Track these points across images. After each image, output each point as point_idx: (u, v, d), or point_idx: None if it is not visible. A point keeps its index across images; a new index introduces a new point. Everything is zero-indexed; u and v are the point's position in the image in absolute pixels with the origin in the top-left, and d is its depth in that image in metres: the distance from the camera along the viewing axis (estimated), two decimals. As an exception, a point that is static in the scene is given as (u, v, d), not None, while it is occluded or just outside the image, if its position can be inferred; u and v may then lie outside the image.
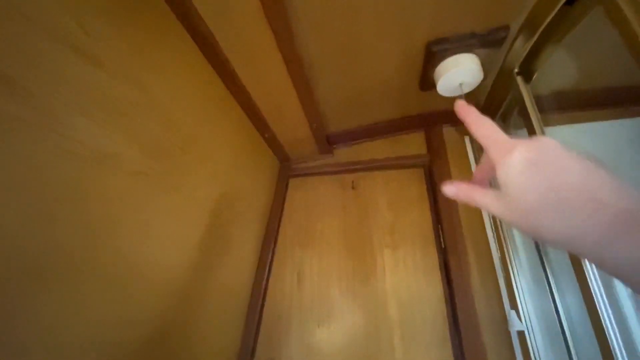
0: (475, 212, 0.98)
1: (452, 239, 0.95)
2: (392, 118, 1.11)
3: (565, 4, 0.59)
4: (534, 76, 0.72)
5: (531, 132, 0.69)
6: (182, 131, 0.67)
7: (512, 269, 0.87)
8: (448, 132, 1.12)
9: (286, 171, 1.20)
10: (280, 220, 1.12)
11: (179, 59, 0.66)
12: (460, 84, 0.82)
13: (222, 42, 0.70)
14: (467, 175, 1.03)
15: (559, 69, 0.72)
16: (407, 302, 0.93)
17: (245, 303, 0.97)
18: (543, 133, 0.67)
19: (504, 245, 0.90)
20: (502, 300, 0.84)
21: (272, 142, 1.08)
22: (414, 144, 1.14)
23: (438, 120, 1.11)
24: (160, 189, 0.62)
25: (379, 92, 0.97)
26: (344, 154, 1.20)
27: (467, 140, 1.09)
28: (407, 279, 0.96)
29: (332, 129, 1.14)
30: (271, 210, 1.13)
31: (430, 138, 1.12)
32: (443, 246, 0.97)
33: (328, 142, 1.18)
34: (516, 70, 0.74)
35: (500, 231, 0.92)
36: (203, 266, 0.75)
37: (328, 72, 0.85)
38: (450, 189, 0.32)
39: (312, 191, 1.16)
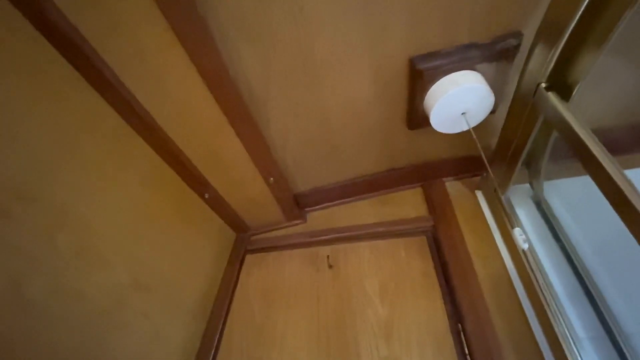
0: (510, 297, 0.65)
1: (482, 347, 0.61)
2: (376, 171, 0.85)
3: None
4: (574, 91, 0.49)
5: (599, 176, 0.42)
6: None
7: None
8: (452, 185, 0.85)
9: (242, 244, 0.90)
10: (226, 317, 0.78)
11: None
12: (464, 114, 0.58)
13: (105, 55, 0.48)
14: (486, 242, 0.73)
15: (615, 77, 0.49)
16: None
17: None
18: (623, 175, 0.39)
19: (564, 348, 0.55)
20: None
21: (219, 205, 0.80)
22: (408, 203, 0.86)
23: (437, 171, 0.85)
24: None
25: (353, 135, 0.73)
26: (317, 219, 0.91)
27: (479, 194, 0.81)
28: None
29: (301, 187, 0.88)
30: (215, 301, 0.79)
31: (430, 195, 0.85)
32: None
33: (298, 204, 0.90)
34: (544, 84, 0.51)
35: (554, 321, 0.58)
36: None
37: (278, 104, 0.62)
38: None
39: (274, 272, 0.83)
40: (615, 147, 0.45)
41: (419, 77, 0.57)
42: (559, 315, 0.59)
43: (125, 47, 0.47)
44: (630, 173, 0.39)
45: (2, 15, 0.40)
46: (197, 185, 0.72)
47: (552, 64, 0.50)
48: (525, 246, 0.40)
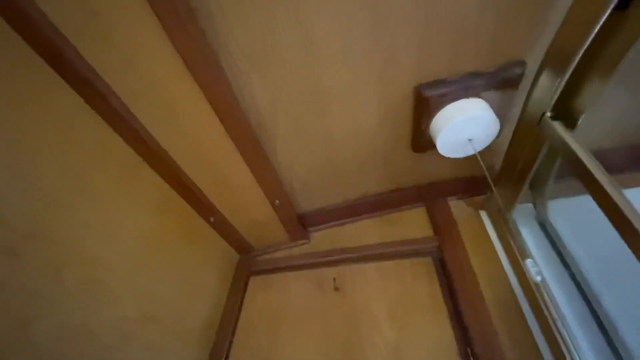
0: (518, 320, 0.65)
1: (493, 372, 0.60)
2: (380, 191, 0.86)
3: (616, 8, 0.40)
4: (580, 120, 0.50)
5: (601, 200, 0.43)
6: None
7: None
8: (456, 205, 0.85)
9: (246, 266, 0.89)
10: (231, 344, 0.76)
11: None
12: (470, 140, 0.59)
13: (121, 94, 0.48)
14: (491, 263, 0.73)
15: (620, 105, 0.50)
16: None
17: None
18: (623, 199, 0.40)
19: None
20: None
21: (223, 228, 0.79)
22: (413, 223, 0.86)
23: (440, 191, 0.86)
24: None
25: (358, 158, 0.73)
26: (322, 239, 0.91)
27: (483, 215, 0.82)
28: None
29: (306, 207, 0.88)
30: (219, 327, 0.78)
31: (434, 215, 0.85)
32: (480, 386, 0.61)
33: (302, 224, 0.90)
34: (549, 114, 0.52)
35: (563, 346, 0.58)
36: None
37: (285, 130, 0.63)
38: None
39: (279, 295, 0.82)
40: (612, 167, 0.46)
41: (425, 104, 0.58)
42: (569, 340, 0.59)
43: (137, 79, 0.47)
44: (629, 193, 0.40)
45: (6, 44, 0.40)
46: (203, 210, 0.71)
47: (558, 94, 0.51)
48: (539, 279, 0.40)
